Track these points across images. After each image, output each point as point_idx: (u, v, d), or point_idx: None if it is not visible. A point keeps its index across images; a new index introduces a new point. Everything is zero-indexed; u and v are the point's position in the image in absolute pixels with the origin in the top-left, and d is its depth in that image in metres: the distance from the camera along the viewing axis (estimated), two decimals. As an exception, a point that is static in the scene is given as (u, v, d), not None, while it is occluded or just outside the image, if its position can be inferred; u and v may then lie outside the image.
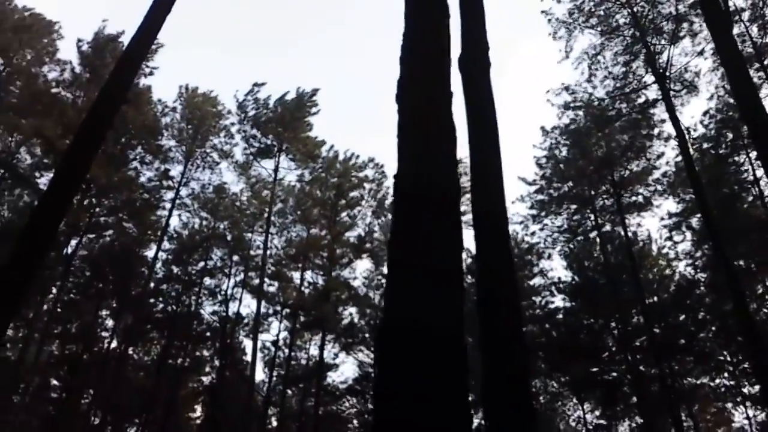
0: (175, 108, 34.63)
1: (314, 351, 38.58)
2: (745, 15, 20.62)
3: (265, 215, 33.18)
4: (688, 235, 27.18)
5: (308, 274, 34.03)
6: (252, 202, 34.15)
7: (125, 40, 32.35)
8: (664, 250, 29.86)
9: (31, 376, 32.23)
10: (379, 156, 78.61)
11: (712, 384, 29.73)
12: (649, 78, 21.72)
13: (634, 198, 28.33)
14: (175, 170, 33.90)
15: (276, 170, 33.90)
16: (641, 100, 23.02)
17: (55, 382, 34.93)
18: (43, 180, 31.74)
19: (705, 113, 24.77)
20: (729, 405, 30.67)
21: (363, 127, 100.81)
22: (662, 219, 27.86)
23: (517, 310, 5.99)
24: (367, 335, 35.61)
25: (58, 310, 31.30)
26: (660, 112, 23.44)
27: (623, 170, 27.71)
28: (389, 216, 35.41)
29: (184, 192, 33.88)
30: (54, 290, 31.17)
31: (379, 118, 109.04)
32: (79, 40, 31.92)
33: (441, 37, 5.02)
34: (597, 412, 31.91)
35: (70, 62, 32.08)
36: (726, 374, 28.63)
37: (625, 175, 27.67)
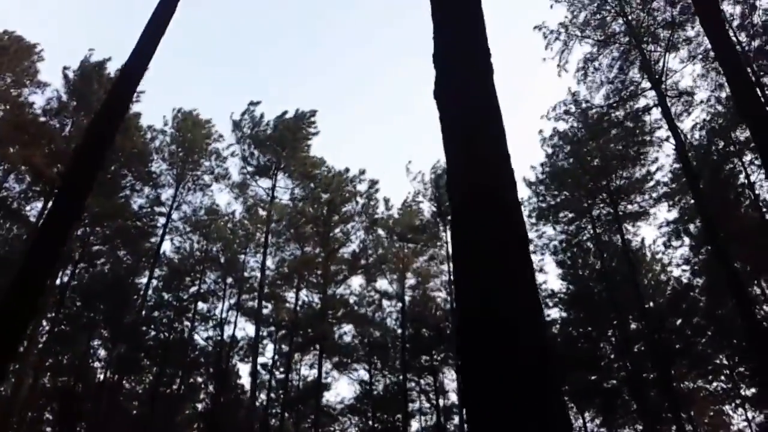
0: (165, 131, 34.57)
1: (305, 371, 38.30)
2: (735, 23, 21.14)
3: (260, 235, 33.10)
4: (686, 240, 27.51)
5: (303, 293, 33.89)
6: (244, 223, 33.98)
7: (110, 67, 32.40)
8: (659, 256, 30.22)
9: (24, 411, 31.56)
10: (370, 167, 79.06)
11: (709, 387, 29.95)
12: (646, 83, 22.11)
13: (630, 207, 28.67)
14: (167, 193, 33.73)
15: (273, 189, 33.93)
16: (638, 105, 23.38)
17: (48, 415, 34.30)
18: (33, 210, 31.51)
19: (694, 126, 25.20)
20: (727, 407, 30.89)
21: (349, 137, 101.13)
22: (660, 227, 28.19)
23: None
24: (362, 353, 35.55)
25: (49, 342, 30.82)
26: (656, 119, 23.83)
27: (619, 179, 28.08)
28: (380, 232, 35.46)
29: (175, 215, 33.71)
30: (45, 322, 30.69)
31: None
32: (65, 68, 31.82)
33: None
34: (597, 421, 31.93)
35: (57, 91, 31.90)
36: (723, 377, 28.88)
37: (622, 184, 28.03)
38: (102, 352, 34.87)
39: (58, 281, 29.62)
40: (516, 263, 3.43)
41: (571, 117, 25.68)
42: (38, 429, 34.70)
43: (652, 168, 28.14)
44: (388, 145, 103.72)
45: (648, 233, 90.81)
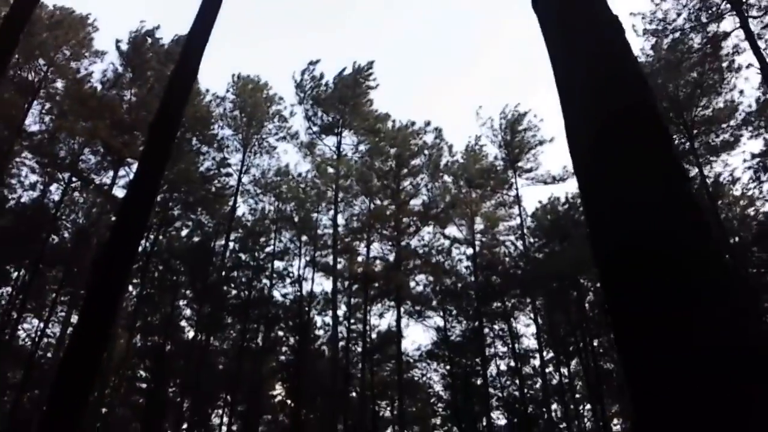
0: (226, 98, 34.84)
1: (375, 321, 38.86)
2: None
3: (331, 192, 33.36)
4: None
5: (375, 246, 34.20)
6: (315, 182, 34.19)
7: (160, 35, 32.53)
8: (745, 191, 28.91)
9: (120, 370, 33.42)
10: (436, 117, 78.21)
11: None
12: (725, 6, 20.70)
13: (710, 139, 27.33)
14: (235, 158, 34.23)
15: (339, 146, 33.99)
16: (718, 29, 21.96)
17: (142, 373, 36.25)
18: (106, 179, 32.50)
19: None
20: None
21: (416, 90, 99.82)
22: (744, 161, 26.87)
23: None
24: (435, 301, 35.93)
25: (137, 305, 32.30)
26: (735, 44, 22.37)
27: (696, 110, 26.68)
28: (446, 178, 35.09)
29: (245, 179, 34.30)
30: (131, 287, 32.10)
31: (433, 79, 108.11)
32: (118, 41, 32.10)
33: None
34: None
35: (112, 63, 32.32)
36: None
37: (699, 115, 26.66)
38: (188, 312, 36.40)
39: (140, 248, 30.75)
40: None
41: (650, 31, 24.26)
42: (134, 385, 36.78)
43: (734, 96, 26.63)
44: (443, 93, 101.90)
45: (731, 166, 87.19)
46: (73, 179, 31.51)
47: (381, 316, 36.42)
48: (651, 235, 2.70)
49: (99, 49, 32.63)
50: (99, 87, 32.07)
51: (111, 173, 32.10)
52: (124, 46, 31.96)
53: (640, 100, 3.28)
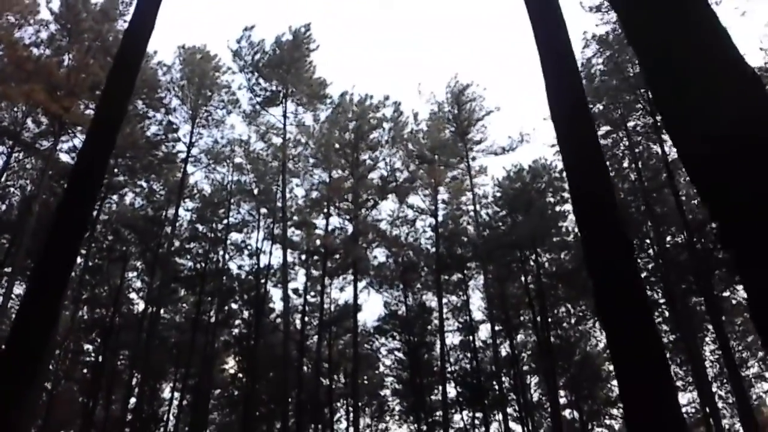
0: (173, 66, 33.53)
1: (336, 294, 38.95)
2: None
3: (279, 163, 32.66)
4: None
5: (334, 219, 33.78)
6: (275, 154, 33.32)
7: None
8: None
9: (65, 343, 32.28)
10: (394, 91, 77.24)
11: (742, 296, 30.18)
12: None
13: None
14: (184, 129, 33.07)
15: (285, 116, 33.13)
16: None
17: (89, 346, 35.12)
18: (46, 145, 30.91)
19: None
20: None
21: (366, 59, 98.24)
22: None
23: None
24: (395, 273, 35.94)
25: (86, 276, 31.06)
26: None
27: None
28: (410, 146, 34.79)
29: (195, 151, 33.29)
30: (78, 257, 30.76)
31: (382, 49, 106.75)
32: (48, 0, 30.30)
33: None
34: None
35: (44, 23, 30.54)
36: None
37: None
38: (138, 284, 35.29)
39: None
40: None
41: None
42: (79, 360, 35.63)
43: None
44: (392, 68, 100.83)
45: None
46: (17, 147, 29.88)
47: (342, 290, 36.28)
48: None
49: (46, 19, 30.79)
50: (34, 51, 30.35)
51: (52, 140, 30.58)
52: (55, 7, 30.18)
53: None
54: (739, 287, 29.91)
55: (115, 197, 32.68)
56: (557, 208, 32.11)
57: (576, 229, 31.34)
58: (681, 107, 3.34)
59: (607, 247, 5.52)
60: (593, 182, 5.95)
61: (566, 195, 31.78)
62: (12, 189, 31.59)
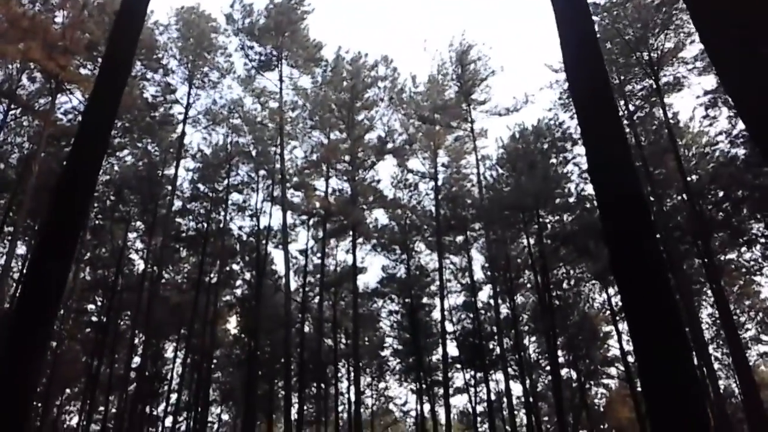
0: (169, 26, 32.96)
1: (342, 256, 39.24)
2: None
3: (273, 125, 32.49)
4: (725, 111, 26.42)
5: (333, 181, 33.69)
6: (273, 117, 33.02)
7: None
8: (701, 128, 29.32)
9: (68, 302, 32.46)
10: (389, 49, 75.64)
11: (742, 260, 30.31)
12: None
13: (668, 78, 27.33)
14: (181, 91, 32.72)
15: (281, 80, 32.76)
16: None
17: (91, 306, 35.36)
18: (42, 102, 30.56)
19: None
20: (758, 278, 31.46)
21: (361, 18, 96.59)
22: (698, 97, 27.02)
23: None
24: (398, 235, 36.06)
25: (87, 237, 31.06)
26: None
27: (658, 49, 26.51)
28: (407, 110, 34.44)
29: (193, 112, 33.09)
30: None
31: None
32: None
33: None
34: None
35: None
36: (758, 246, 29.01)
37: (661, 53, 26.48)
38: (139, 245, 35.38)
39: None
40: None
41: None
42: (82, 320, 35.91)
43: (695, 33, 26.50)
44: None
45: (687, 106, 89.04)
46: (12, 106, 29.52)
47: (348, 252, 36.41)
48: None
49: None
50: (29, 7, 29.66)
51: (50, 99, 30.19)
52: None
53: None
54: (743, 249, 30.15)
55: (113, 159, 32.45)
56: (560, 170, 31.92)
57: (578, 189, 31.36)
58: None
59: (624, 209, 5.48)
60: (609, 141, 5.88)
61: (569, 156, 31.65)
62: (9, 147, 31.31)
